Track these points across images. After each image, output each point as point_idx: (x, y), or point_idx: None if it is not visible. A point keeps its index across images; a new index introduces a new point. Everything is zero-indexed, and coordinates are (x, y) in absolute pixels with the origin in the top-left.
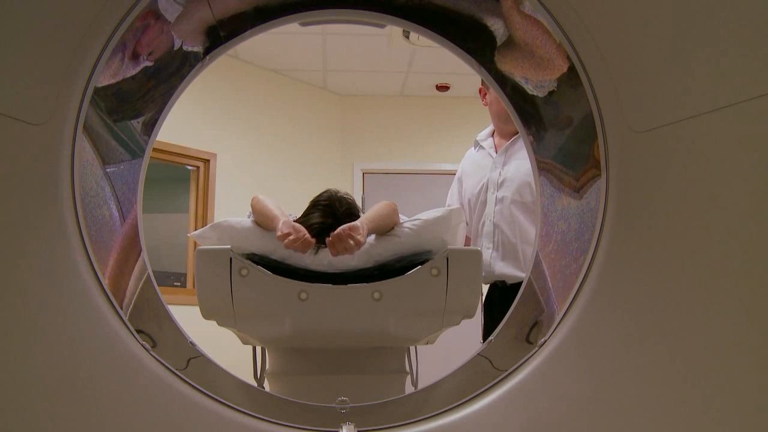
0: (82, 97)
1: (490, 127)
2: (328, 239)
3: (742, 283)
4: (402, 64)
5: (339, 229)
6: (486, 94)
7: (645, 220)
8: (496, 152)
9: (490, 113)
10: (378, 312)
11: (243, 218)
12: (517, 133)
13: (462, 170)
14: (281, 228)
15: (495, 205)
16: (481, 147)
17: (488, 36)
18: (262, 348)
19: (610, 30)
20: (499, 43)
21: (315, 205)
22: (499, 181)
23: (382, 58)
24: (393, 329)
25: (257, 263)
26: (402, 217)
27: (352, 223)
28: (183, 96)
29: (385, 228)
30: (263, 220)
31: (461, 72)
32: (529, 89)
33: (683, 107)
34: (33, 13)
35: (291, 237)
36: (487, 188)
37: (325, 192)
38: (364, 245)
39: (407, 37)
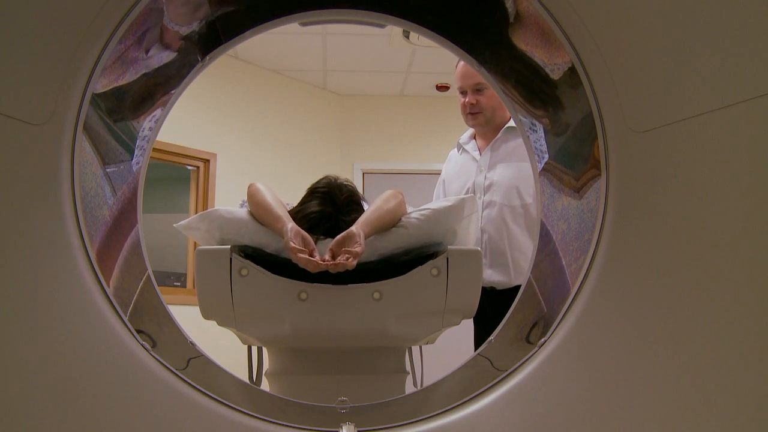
0: (81, 97)
1: (471, 129)
2: (326, 261)
3: (743, 283)
4: (402, 64)
5: (334, 242)
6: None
7: (645, 220)
8: (480, 155)
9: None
10: (378, 312)
11: (235, 208)
12: (498, 132)
13: (446, 173)
14: (291, 237)
15: (482, 210)
16: (464, 150)
17: (499, 13)
18: (258, 349)
19: (610, 30)
20: (511, 19)
21: (313, 192)
22: (486, 184)
23: (382, 58)
24: (393, 329)
25: (250, 256)
26: (409, 208)
27: (348, 231)
28: (183, 96)
29: (390, 225)
30: (262, 215)
31: None
32: (549, 71)
33: (683, 107)
34: (33, 13)
35: (302, 255)
36: (473, 192)
37: (323, 178)
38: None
39: (407, 37)
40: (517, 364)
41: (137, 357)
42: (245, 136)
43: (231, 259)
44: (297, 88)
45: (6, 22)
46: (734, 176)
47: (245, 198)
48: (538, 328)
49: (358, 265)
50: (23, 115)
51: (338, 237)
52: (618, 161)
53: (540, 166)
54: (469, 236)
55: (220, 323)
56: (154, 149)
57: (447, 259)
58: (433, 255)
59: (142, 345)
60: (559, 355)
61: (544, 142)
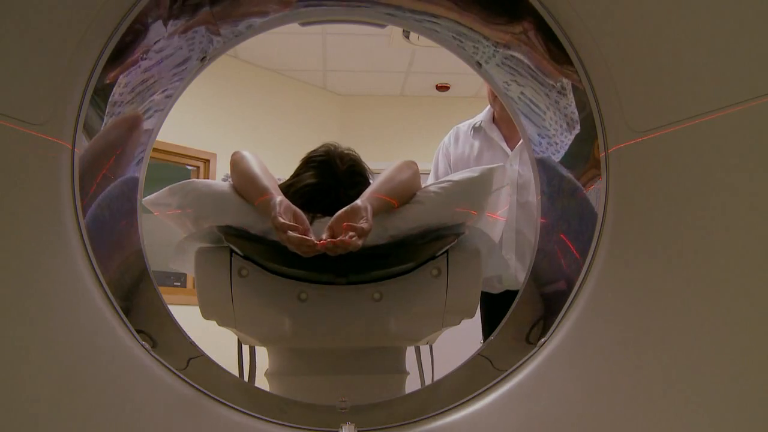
0: (82, 97)
1: (488, 109)
2: (323, 242)
3: (742, 285)
4: (402, 64)
5: (335, 218)
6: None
7: (645, 220)
8: (508, 146)
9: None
10: (378, 312)
11: (216, 181)
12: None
13: (455, 155)
14: (279, 212)
15: (516, 210)
16: (484, 133)
17: None
18: (250, 349)
19: (610, 30)
20: None
21: (308, 162)
22: (520, 182)
23: (382, 58)
24: (393, 329)
25: (233, 237)
26: (423, 183)
27: (352, 205)
28: (183, 96)
29: (403, 200)
30: (246, 187)
31: (461, 72)
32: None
33: (684, 107)
34: (33, 13)
35: (293, 234)
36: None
37: (321, 146)
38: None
39: (407, 37)
40: (517, 364)
41: (137, 357)
42: (245, 136)
43: (231, 259)
44: (297, 88)
45: (6, 22)
46: (734, 177)
47: (229, 172)
48: (538, 328)
49: (364, 249)
50: (23, 115)
51: (339, 212)
52: (618, 161)
53: (571, 138)
54: (498, 215)
55: (220, 323)
56: (154, 149)
57: (447, 258)
58: (454, 237)
59: (142, 345)
60: (559, 355)
61: (575, 108)
